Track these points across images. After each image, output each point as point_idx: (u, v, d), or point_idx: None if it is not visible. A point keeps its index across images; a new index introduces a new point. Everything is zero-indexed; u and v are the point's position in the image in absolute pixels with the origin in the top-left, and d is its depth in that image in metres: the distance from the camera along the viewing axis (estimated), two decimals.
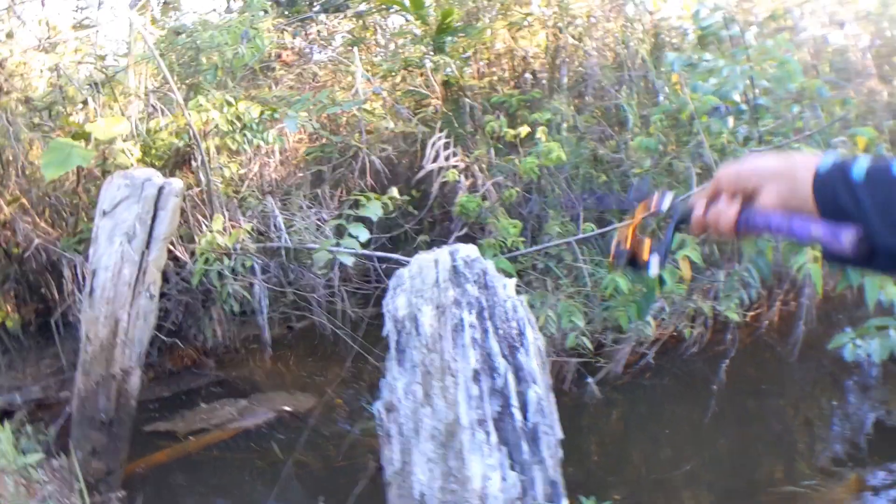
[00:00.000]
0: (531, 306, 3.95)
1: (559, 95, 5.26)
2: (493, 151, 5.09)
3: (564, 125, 4.98)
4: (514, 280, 2.74)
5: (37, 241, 4.79)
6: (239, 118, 4.60)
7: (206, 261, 4.64)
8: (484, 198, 4.76)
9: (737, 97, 4.03)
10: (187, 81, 5.07)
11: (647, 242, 0.97)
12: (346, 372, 5.19)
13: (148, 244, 3.87)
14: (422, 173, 5.18)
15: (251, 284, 4.97)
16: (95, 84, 4.99)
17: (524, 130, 4.79)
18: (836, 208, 0.84)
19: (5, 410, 4.76)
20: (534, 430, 2.39)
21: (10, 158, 4.72)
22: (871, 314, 3.30)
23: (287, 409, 5.13)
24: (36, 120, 4.83)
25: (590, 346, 3.94)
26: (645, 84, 5.20)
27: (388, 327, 2.75)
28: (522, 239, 4.25)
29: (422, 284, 2.67)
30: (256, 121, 4.69)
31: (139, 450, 4.53)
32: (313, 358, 6.01)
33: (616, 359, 4.31)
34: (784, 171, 0.89)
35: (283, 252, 4.89)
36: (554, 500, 2.35)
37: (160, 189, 3.82)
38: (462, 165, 5.11)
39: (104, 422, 4.00)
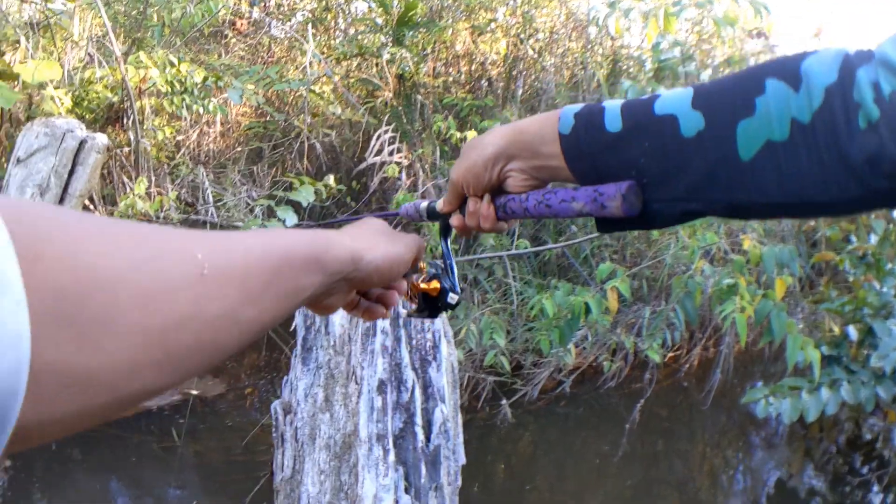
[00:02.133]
0: (454, 317, 3.78)
1: (512, 106, 5.11)
2: (438, 152, 4.90)
3: None
4: None
5: None
6: (180, 81, 4.31)
7: None
8: (423, 198, 4.57)
9: None
10: (132, 36, 4.75)
11: (433, 284, 0.81)
12: (261, 360, 4.95)
13: (62, 200, 3.59)
14: (363, 165, 4.96)
15: None
16: (33, 25, 4.63)
17: (471, 134, 4.61)
18: (600, 174, 0.65)
19: None
20: (435, 453, 2.20)
21: None
22: (788, 373, 3.23)
23: (194, 392, 4.87)
24: None
25: (508, 366, 3.78)
26: None
27: (297, 322, 2.54)
28: (456, 247, 4.07)
29: None
30: (199, 86, 4.41)
31: None
32: None
33: (533, 383, 4.16)
34: (519, 149, 0.69)
35: (209, 227, 4.61)
36: None
37: (82, 142, 3.53)
38: (405, 163, 4.91)
39: None
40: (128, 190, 4.44)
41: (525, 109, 5.19)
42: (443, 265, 0.84)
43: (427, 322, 2.39)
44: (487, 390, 4.12)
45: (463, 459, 2.36)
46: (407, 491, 2.14)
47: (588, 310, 3.14)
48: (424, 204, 0.86)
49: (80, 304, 0.31)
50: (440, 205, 0.83)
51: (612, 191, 0.63)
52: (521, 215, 0.73)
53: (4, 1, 4.73)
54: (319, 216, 5.00)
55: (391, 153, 4.89)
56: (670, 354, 4.51)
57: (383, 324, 2.35)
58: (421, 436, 2.21)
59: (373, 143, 4.88)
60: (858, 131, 0.51)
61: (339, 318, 2.43)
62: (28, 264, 0.28)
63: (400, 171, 4.69)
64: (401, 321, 2.39)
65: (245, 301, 0.43)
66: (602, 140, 0.63)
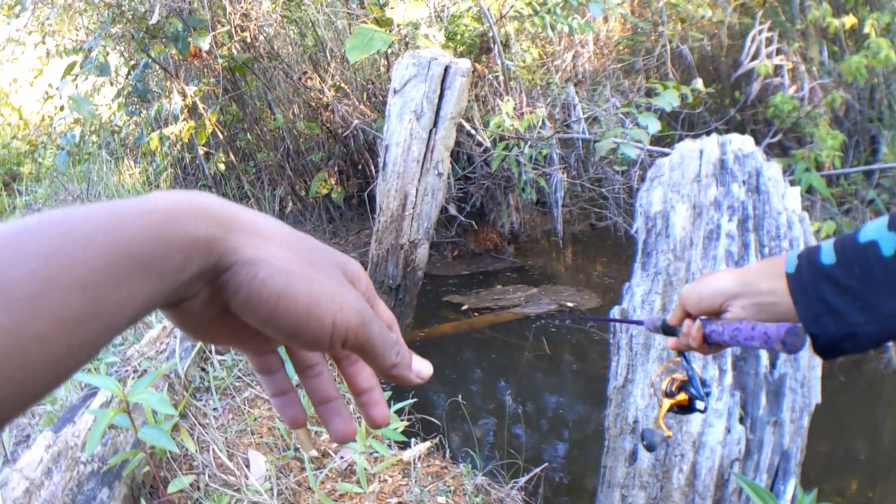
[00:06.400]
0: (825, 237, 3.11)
1: None
2: (825, 51, 4.05)
3: None
4: (797, 189, 2.06)
5: (356, 122, 4.93)
6: (541, 2, 4.18)
7: (506, 147, 4.41)
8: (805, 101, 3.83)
9: None
10: None
11: (681, 396, 0.92)
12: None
13: (435, 123, 3.73)
14: (740, 71, 4.34)
15: (549, 175, 4.66)
16: None
17: (849, 21, 3.69)
18: (820, 307, 0.70)
19: None
20: (779, 383, 1.78)
21: (332, 47, 4.83)
22: None
23: (569, 304, 4.86)
24: (344, 9, 4.87)
25: None
26: None
27: (639, 224, 2.26)
28: (841, 154, 3.32)
29: (680, 178, 2.12)
30: (560, 5, 4.23)
31: (430, 320, 4.60)
32: (608, 258, 5.65)
33: None
34: (743, 288, 0.77)
35: (580, 144, 4.47)
36: (781, 476, 1.73)
37: (446, 68, 3.61)
38: (788, 65, 4.17)
39: (392, 287, 4.05)
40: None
41: None
42: (686, 375, 0.92)
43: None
44: None
45: (817, 398, 1.88)
46: (742, 420, 1.76)
47: None
48: (661, 320, 0.94)
49: None
50: (670, 318, 0.90)
51: (774, 333, 0.70)
52: (722, 343, 0.81)
53: None
54: (690, 126, 4.53)
55: (769, 55, 4.19)
56: None
57: (728, 226, 1.96)
58: (765, 360, 1.80)
59: (747, 44, 4.23)
60: None
61: (681, 219, 2.09)
62: None
63: (773, 70, 3.98)
64: (749, 223, 1.97)
65: None
66: (820, 273, 0.70)
